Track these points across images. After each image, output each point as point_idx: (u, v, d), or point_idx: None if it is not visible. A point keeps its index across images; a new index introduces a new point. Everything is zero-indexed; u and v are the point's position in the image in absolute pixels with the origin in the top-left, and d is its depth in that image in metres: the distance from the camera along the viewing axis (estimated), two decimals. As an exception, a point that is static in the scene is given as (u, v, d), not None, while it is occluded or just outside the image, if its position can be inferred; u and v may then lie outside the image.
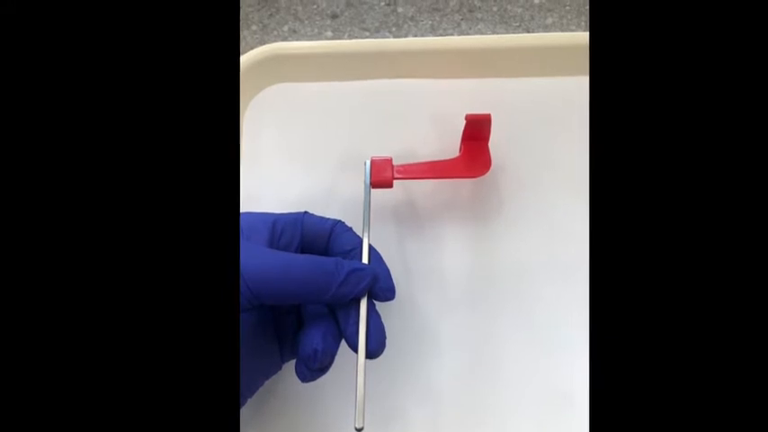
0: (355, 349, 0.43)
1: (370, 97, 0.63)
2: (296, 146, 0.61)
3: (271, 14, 0.72)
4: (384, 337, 0.45)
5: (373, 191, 0.52)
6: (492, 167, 0.56)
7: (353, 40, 0.69)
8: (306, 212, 0.48)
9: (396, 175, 0.54)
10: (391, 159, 0.54)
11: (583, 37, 0.61)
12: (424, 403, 0.51)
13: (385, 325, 0.45)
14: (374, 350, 0.44)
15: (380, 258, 0.48)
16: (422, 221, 0.58)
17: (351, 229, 0.48)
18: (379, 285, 0.45)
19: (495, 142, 0.57)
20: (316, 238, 0.47)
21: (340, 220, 0.48)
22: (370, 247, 0.47)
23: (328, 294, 0.42)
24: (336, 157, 0.61)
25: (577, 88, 0.60)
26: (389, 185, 0.53)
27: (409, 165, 0.55)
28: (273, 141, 0.61)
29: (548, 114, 0.61)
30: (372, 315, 0.45)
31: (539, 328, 0.53)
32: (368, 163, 0.53)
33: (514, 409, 0.51)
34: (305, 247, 0.47)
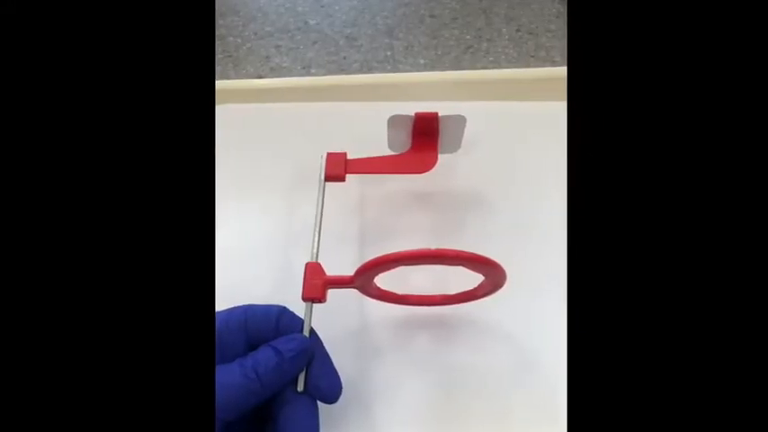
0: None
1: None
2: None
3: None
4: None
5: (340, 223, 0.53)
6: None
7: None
8: (247, 309, 0.45)
9: (348, 170, 0.55)
10: (346, 154, 0.55)
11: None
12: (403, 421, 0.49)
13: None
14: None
15: (326, 359, 0.45)
16: (394, 239, 0.59)
17: (293, 314, 0.46)
18: (320, 393, 0.44)
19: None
20: (262, 330, 0.44)
21: (283, 308, 0.45)
22: (318, 348, 0.45)
23: (265, 393, 0.41)
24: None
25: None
26: (342, 179, 0.54)
27: (361, 159, 0.56)
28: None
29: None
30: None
31: (515, 340, 0.53)
32: (324, 156, 0.54)
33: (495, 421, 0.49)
34: (251, 336, 0.44)
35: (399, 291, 0.51)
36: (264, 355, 0.41)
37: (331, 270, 0.47)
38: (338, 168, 0.54)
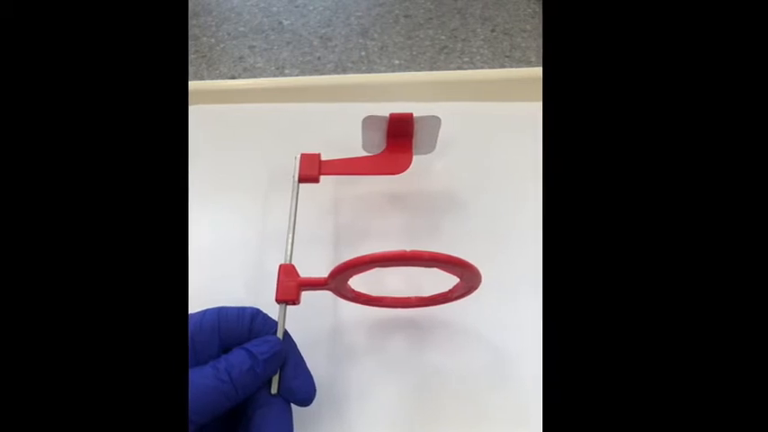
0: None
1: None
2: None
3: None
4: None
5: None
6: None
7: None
8: (220, 311, 0.44)
9: (322, 171, 0.54)
10: (320, 155, 0.55)
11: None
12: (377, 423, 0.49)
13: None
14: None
15: (300, 362, 0.45)
16: (368, 241, 0.59)
17: (266, 316, 0.45)
18: (294, 396, 0.44)
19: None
20: (235, 333, 0.44)
21: (256, 311, 0.45)
22: (292, 351, 0.45)
23: (239, 396, 0.41)
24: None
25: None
26: (316, 180, 0.54)
27: (335, 160, 0.56)
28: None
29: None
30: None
31: (490, 341, 0.52)
32: (298, 158, 0.54)
33: (470, 423, 0.48)
34: (224, 338, 0.44)
35: (374, 293, 0.50)
36: (238, 358, 0.41)
37: (305, 272, 0.47)
38: (312, 169, 0.54)
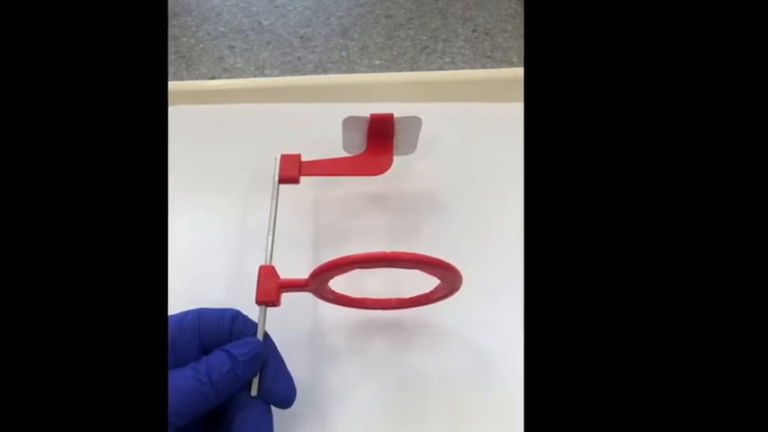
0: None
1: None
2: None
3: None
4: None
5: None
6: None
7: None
8: (200, 312, 0.44)
9: (302, 172, 0.54)
10: (300, 156, 0.55)
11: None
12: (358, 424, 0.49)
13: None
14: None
15: (280, 364, 0.45)
16: (349, 242, 0.59)
17: (246, 318, 0.45)
18: (274, 397, 0.44)
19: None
20: (215, 334, 0.44)
21: (236, 312, 0.45)
22: (272, 352, 0.45)
23: (219, 398, 0.40)
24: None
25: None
26: (296, 181, 0.54)
27: (315, 161, 0.55)
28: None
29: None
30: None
31: (471, 342, 0.52)
32: (278, 158, 0.54)
33: (451, 424, 0.48)
34: (204, 340, 0.43)
35: (354, 294, 0.50)
36: (218, 360, 0.41)
37: (285, 273, 0.47)
38: (292, 170, 0.54)
